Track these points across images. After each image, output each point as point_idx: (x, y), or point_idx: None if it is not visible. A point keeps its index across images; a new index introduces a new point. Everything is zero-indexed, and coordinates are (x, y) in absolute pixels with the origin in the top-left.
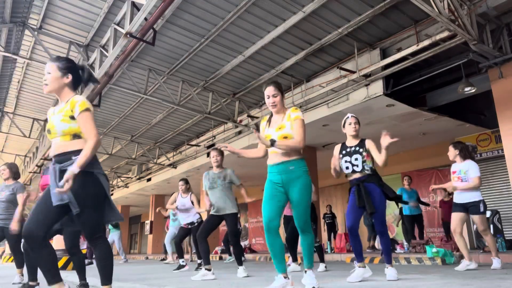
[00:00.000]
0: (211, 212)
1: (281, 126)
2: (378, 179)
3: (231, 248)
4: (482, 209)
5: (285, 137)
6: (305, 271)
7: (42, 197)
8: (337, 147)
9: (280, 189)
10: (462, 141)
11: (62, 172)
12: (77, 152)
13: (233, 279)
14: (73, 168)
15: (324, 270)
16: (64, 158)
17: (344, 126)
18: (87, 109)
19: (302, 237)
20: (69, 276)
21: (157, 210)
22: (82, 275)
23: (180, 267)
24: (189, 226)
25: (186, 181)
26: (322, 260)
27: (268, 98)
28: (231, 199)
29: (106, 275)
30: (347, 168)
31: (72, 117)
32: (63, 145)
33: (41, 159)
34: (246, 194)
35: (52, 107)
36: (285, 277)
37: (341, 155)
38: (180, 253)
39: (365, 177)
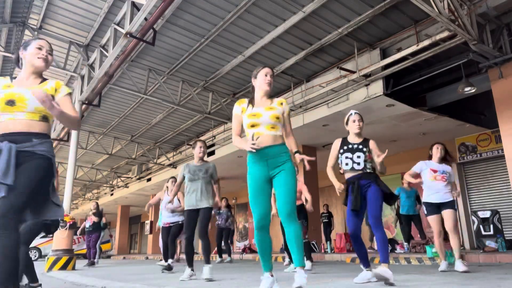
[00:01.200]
0: (188, 208)
1: (272, 108)
2: (375, 177)
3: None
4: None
5: (277, 118)
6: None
7: None
8: (338, 141)
9: (266, 177)
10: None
11: (18, 153)
12: (40, 135)
13: (233, 279)
14: (57, 108)
15: (309, 269)
16: (25, 138)
17: (347, 123)
18: (70, 94)
19: (289, 227)
20: (69, 276)
21: (145, 209)
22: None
23: (169, 268)
24: (170, 225)
25: (175, 180)
26: (308, 257)
27: (266, 76)
28: (210, 193)
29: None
30: (346, 164)
31: (52, 97)
32: (28, 124)
33: None
34: (218, 192)
35: (2, 78)
36: (271, 276)
37: (341, 150)
38: (172, 253)
39: (362, 174)
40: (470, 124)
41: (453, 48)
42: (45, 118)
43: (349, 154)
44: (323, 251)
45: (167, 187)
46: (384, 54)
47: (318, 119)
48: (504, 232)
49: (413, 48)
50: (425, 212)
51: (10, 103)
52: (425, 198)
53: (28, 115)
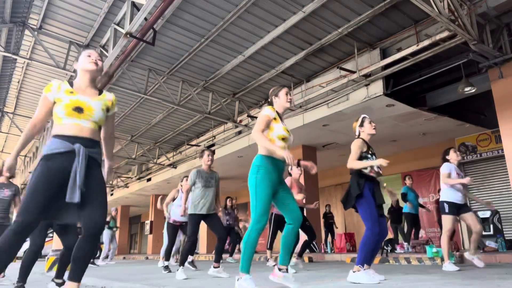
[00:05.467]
0: (199, 212)
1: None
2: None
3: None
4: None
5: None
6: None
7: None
8: (361, 142)
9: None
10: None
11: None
12: (99, 144)
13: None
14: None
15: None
16: (92, 144)
17: (362, 125)
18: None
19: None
20: None
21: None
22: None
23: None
24: (182, 224)
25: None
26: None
27: (287, 94)
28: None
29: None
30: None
31: (107, 110)
32: (93, 132)
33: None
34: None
35: (61, 81)
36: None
37: (370, 153)
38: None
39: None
40: (470, 124)
41: (453, 48)
42: (100, 128)
43: (374, 157)
44: (323, 251)
45: (182, 185)
46: (384, 54)
47: (318, 119)
48: (504, 232)
49: (413, 48)
50: (446, 211)
51: (78, 110)
52: (449, 197)
53: (93, 124)
